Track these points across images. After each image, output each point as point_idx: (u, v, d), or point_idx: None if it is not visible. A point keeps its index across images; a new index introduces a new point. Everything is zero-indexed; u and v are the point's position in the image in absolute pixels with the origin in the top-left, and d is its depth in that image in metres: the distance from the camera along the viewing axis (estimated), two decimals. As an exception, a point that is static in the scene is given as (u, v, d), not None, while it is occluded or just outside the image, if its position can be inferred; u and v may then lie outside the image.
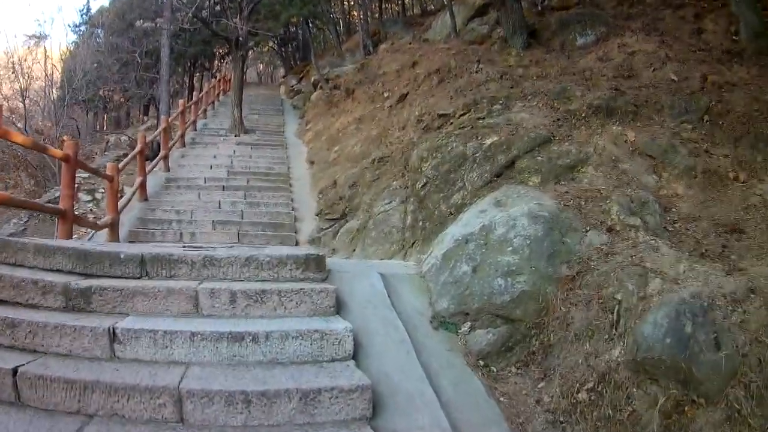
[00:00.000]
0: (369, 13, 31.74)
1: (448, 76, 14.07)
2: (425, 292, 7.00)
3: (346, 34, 39.53)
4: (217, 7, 29.44)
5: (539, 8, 17.15)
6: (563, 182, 8.45)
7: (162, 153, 16.95)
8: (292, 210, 14.19)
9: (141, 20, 33.42)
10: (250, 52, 52.49)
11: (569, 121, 9.93)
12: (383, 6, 40.81)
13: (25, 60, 32.75)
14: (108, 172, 11.70)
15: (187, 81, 44.99)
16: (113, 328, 4.92)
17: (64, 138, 30.41)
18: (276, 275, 6.11)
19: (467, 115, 11.11)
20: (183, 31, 34.30)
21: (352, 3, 43.25)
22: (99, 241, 11.05)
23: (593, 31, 13.88)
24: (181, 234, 12.59)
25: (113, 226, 11.42)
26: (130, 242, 11.89)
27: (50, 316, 5.21)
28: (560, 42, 14.31)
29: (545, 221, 7.04)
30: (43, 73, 31.91)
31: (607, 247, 6.85)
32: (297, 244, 12.46)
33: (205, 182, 15.81)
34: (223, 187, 15.40)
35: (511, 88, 11.70)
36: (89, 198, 19.08)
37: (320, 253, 6.42)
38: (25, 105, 29.66)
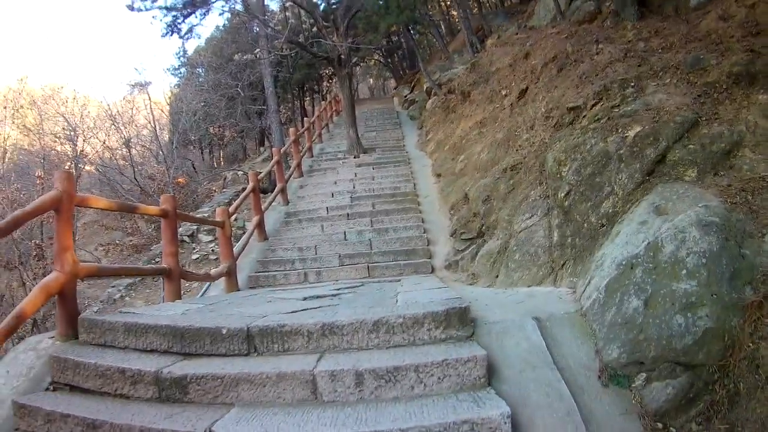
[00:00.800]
0: (469, 10, 30.67)
1: (567, 62, 12.95)
2: (589, 337, 5.87)
3: (449, 35, 38.84)
4: (314, 29, 28.83)
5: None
6: (722, 172, 7.21)
7: (278, 186, 16.53)
8: (424, 232, 13.30)
9: (239, 53, 33.37)
10: (356, 68, 52.48)
11: (711, 95, 8.62)
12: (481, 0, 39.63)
13: (131, 108, 33.50)
14: (218, 218, 11.23)
15: (299, 106, 44.93)
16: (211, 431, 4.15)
17: (179, 180, 31.40)
18: (411, 338, 5.24)
19: (600, 104, 10.00)
20: (284, 58, 34.81)
21: (449, 2, 42.44)
22: (212, 296, 10.53)
23: (705, -13, 12.44)
24: (305, 274, 11.88)
25: (230, 274, 11.01)
26: (250, 288, 11.52)
27: (139, 411, 4.55)
28: (673, 6, 12.87)
29: (718, 229, 5.89)
30: (150, 119, 32.17)
31: (791, 253, 5.66)
32: (432, 271, 11.55)
33: (327, 212, 15.22)
34: (348, 215, 14.72)
35: (639, 66, 10.48)
36: (210, 238, 18.79)
37: (462, 305, 5.46)
38: (131, 153, 29.99)
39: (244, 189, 18.28)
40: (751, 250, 5.74)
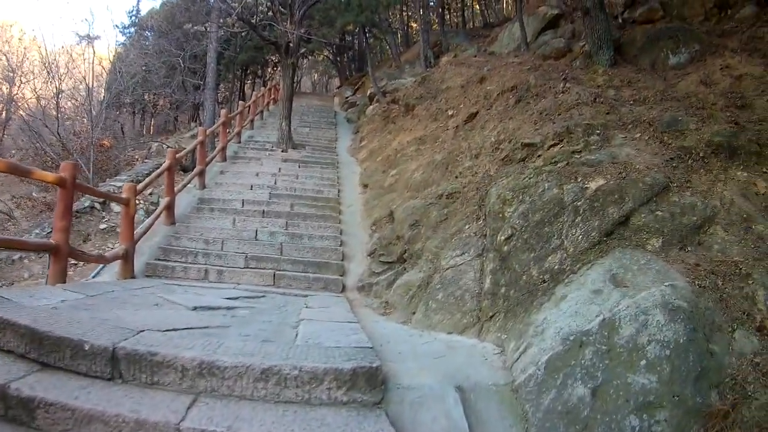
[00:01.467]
0: (429, 23, 29.87)
1: (527, 95, 12.16)
2: (520, 420, 4.82)
3: (405, 45, 38.19)
4: (270, 12, 27.64)
5: (620, 21, 15.37)
6: (689, 248, 6.37)
7: (197, 169, 15.27)
8: (340, 245, 12.25)
9: (191, 23, 32.00)
10: (304, 61, 51.38)
11: (685, 161, 7.86)
12: (444, 17, 39.02)
13: (70, 60, 31.82)
14: (124, 194, 10.02)
15: (239, 88, 43.56)
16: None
17: (104, 141, 29.93)
18: (307, 395, 4.21)
19: (559, 146, 9.16)
20: (234, 37, 34.01)
21: (411, 13, 41.83)
22: (101, 282, 9.21)
23: (686, 49, 12.02)
24: (206, 271, 10.69)
25: (126, 259, 9.85)
26: (146, 276, 10.39)
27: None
28: (650, 60, 12.45)
29: (686, 317, 5.03)
30: (90, 74, 30.55)
31: (762, 359, 4.85)
32: (343, 290, 10.52)
33: (243, 205, 14.06)
34: (263, 212, 13.58)
35: (607, 114, 9.76)
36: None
37: (373, 364, 4.45)
38: (58, 105, 28.54)
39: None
40: (720, 347, 4.94)
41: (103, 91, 33.70)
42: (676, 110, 9.16)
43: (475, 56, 21.29)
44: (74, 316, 5.12)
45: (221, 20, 28.37)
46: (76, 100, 31.27)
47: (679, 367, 4.67)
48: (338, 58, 47.24)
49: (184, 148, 15.53)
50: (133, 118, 41.19)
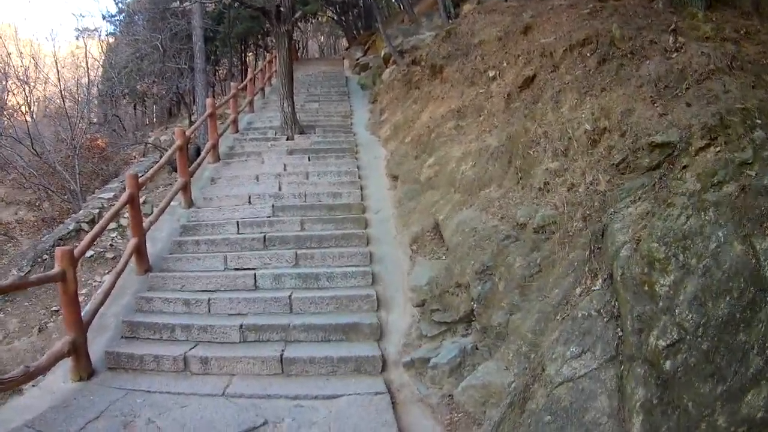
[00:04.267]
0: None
1: (615, 53, 8.71)
2: None
3: (413, -5, 34.17)
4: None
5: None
6: None
7: (179, 182, 11.94)
8: (372, 281, 8.87)
9: (177, 1, 28.82)
10: (307, 25, 47.60)
11: None
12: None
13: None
14: (56, 265, 7.16)
15: (239, 62, 40.08)
16: None
17: (98, 142, 27.36)
18: None
19: (714, 149, 5.76)
20: (226, 9, 30.59)
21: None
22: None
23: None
24: (185, 360, 7.42)
25: (77, 351, 7.15)
26: (109, 369, 7.56)
27: None
28: (752, 0, 9.25)
29: None
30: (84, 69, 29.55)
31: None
32: (383, 368, 7.21)
33: (237, 230, 10.73)
34: (265, 239, 10.15)
35: (753, 87, 6.48)
36: (114, 226, 14.77)
37: None
38: (30, 109, 26.75)
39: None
40: None
41: (97, 87, 32.15)
42: None
43: (506, 1, 17.69)
44: None
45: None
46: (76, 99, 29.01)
47: None
48: (343, 18, 43.66)
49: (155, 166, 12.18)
50: (134, 110, 38.43)
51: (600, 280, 5.53)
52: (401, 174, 12.10)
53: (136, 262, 9.36)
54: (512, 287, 6.44)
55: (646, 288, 4.87)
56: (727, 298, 4.37)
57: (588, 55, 9.08)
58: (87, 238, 7.98)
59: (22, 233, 20.13)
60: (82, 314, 7.32)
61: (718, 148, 5.63)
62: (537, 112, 9.03)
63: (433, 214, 9.27)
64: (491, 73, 12.18)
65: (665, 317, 4.58)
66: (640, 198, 5.82)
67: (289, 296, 8.48)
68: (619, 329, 5.00)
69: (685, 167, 5.77)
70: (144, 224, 9.66)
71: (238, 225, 10.79)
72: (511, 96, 10.51)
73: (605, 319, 5.12)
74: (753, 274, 4.40)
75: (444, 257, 8.15)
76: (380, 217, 11.09)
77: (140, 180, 9.73)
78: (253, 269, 9.29)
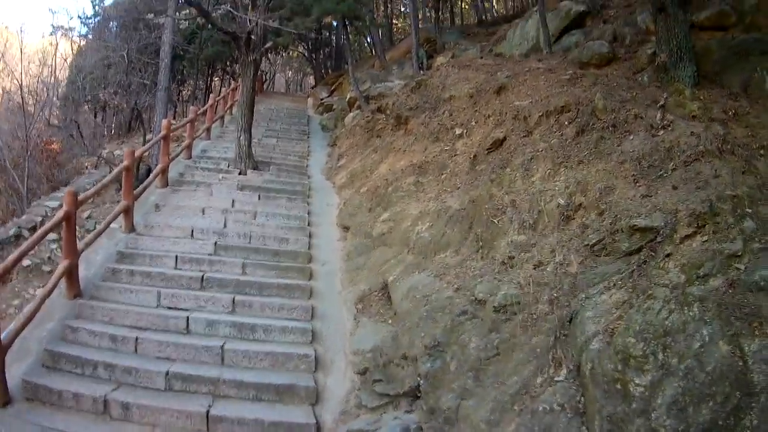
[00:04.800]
0: (419, 17, 25.91)
1: (596, 124, 8.43)
2: None
3: (388, 42, 33.88)
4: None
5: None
6: None
7: (121, 204, 11.11)
8: (312, 339, 8.24)
9: (152, 13, 28.20)
10: (277, 57, 47.10)
11: None
12: (439, 10, 35.19)
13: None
14: None
15: (205, 86, 39.33)
16: None
17: (52, 145, 26.54)
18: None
19: (700, 238, 5.43)
20: (199, 29, 30.46)
21: (393, 8, 38.03)
22: None
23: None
24: (105, 402, 6.77)
25: None
26: (26, 400, 6.90)
27: None
28: (741, 81, 9.14)
29: None
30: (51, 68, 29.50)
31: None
32: (318, 439, 6.51)
33: (176, 265, 9.96)
34: (203, 279, 9.42)
35: (743, 173, 6.15)
36: (55, 236, 14.07)
37: None
38: (23, 100, 25.68)
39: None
40: None
41: (62, 88, 31.82)
42: None
43: (481, 57, 17.44)
44: None
45: (177, 12, 24.49)
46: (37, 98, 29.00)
47: None
48: (313, 55, 43.41)
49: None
50: (95, 117, 36.72)
51: (565, 371, 5.05)
52: (353, 226, 11.55)
53: (66, 286, 8.61)
54: (465, 369, 5.86)
55: (619, 386, 4.43)
56: (710, 403, 4.05)
57: (566, 123, 8.71)
58: (11, 258, 7.20)
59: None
60: (2, 336, 6.63)
61: (705, 237, 5.26)
62: (505, 178, 8.58)
63: (383, 273, 8.78)
64: (458, 131, 11.87)
65: (639, 420, 4.19)
66: (615, 285, 5.36)
67: (222, 346, 7.81)
68: (584, 428, 4.48)
69: (668, 255, 5.35)
70: (79, 246, 8.89)
71: (177, 260, 10.08)
72: (477, 157, 10.15)
73: (569, 416, 4.63)
74: (739, 377, 4.08)
75: (391, 322, 7.60)
76: (327, 270, 10.44)
77: (80, 198, 8.92)
78: (187, 311, 8.61)
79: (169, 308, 8.76)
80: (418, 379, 6.31)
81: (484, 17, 32.83)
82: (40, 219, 15.91)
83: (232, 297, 8.96)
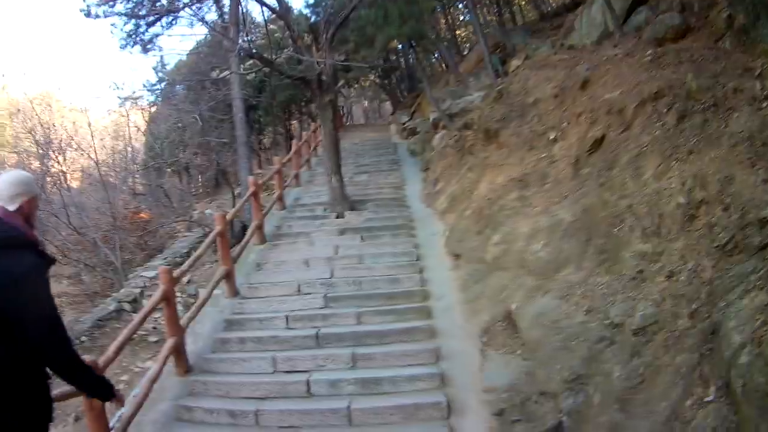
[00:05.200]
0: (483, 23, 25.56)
1: (695, 107, 7.73)
2: None
3: (456, 55, 33.47)
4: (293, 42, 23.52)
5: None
6: None
7: (221, 270, 11.02)
8: (441, 384, 7.76)
9: (216, 71, 28.38)
10: (350, 90, 47.18)
11: None
12: (502, 13, 34.44)
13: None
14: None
15: (284, 131, 39.73)
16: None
17: (141, 215, 27.15)
18: None
19: None
20: (268, 77, 30.38)
21: (455, 16, 37.62)
22: None
23: None
24: None
25: None
26: None
27: None
28: None
29: None
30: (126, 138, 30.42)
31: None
32: None
33: (287, 325, 9.76)
34: (317, 335, 9.14)
35: None
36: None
37: None
38: (100, 175, 26.68)
39: (208, 233, 14.20)
40: None
41: (140, 156, 32.83)
42: None
43: (554, 53, 16.92)
44: None
45: (241, 65, 24.60)
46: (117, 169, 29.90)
47: None
48: (386, 81, 43.32)
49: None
50: (179, 179, 37.72)
51: (713, 389, 4.57)
52: (463, 253, 11.17)
53: (175, 362, 8.50)
54: (611, 401, 5.47)
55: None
56: None
57: (664, 110, 8.15)
58: (114, 346, 7.03)
59: (67, 306, 19.45)
60: (111, 424, 6.50)
61: None
62: (614, 181, 8.11)
63: (504, 300, 8.41)
64: (552, 135, 11.42)
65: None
66: (755, 286, 4.84)
67: (348, 406, 7.49)
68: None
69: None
70: (183, 320, 8.87)
71: (287, 319, 9.86)
72: (579, 161, 9.70)
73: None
74: None
75: (520, 353, 7.22)
76: (444, 305, 9.98)
77: (176, 275, 8.92)
78: (306, 372, 8.33)
79: (287, 372, 8.50)
80: (560, 416, 5.94)
81: (545, 10, 32.12)
82: (139, 290, 16.18)
83: (351, 351, 8.61)
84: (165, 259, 19.87)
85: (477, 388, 7.42)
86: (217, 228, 11.16)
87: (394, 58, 39.41)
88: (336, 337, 9.12)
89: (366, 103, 61.75)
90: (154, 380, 7.57)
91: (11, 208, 3.44)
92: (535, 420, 6.21)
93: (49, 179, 25.98)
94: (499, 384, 6.91)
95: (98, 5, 18.74)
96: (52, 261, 3.59)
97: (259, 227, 13.94)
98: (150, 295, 13.74)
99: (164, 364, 8.04)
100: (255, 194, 14.15)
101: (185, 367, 8.57)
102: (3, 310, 3.12)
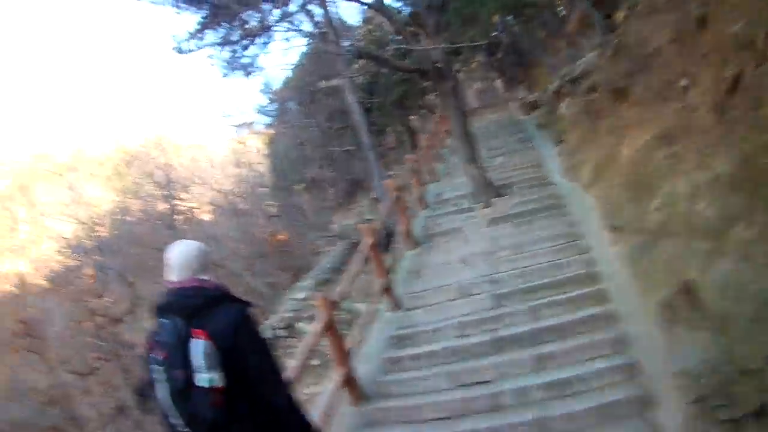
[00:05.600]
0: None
1: None
2: None
3: (557, 21, 32.57)
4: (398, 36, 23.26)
5: None
6: None
7: (379, 284, 11.00)
8: (632, 375, 7.45)
9: (323, 80, 28.48)
10: (458, 73, 46.82)
11: None
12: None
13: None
14: None
15: (404, 129, 39.42)
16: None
17: (278, 236, 27.49)
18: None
19: None
20: (376, 78, 30.35)
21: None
22: None
23: None
24: None
25: None
26: None
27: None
28: None
29: None
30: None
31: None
32: None
33: (459, 333, 9.52)
34: (491, 340, 8.94)
35: None
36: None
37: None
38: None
39: (355, 245, 14.53)
40: None
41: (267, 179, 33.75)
42: None
43: (659, -5, 16.16)
44: None
45: (349, 67, 24.73)
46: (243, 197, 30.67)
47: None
48: (492, 58, 42.46)
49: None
50: (309, 194, 38.04)
51: None
52: (622, 225, 10.62)
53: (348, 392, 8.40)
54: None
55: None
56: None
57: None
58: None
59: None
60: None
61: None
62: (758, 119, 7.57)
63: (678, 271, 7.84)
64: (683, 82, 10.72)
65: None
66: None
67: (539, 415, 7.24)
68: None
69: None
70: (348, 344, 8.88)
71: (457, 326, 9.65)
72: (720, 106, 9.03)
73: None
74: None
75: (708, 328, 6.72)
76: (615, 285, 9.47)
77: (334, 299, 8.90)
78: (488, 383, 8.11)
79: (467, 386, 8.26)
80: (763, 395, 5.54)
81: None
82: (291, 314, 16.23)
83: (532, 352, 8.36)
84: (313, 278, 19.90)
85: (668, 374, 7.02)
86: (368, 240, 11.10)
87: (496, 33, 38.85)
88: (512, 339, 8.85)
89: (477, 84, 61.11)
90: (328, 414, 7.55)
91: (205, 278, 3.72)
92: (737, 404, 5.83)
93: (178, 217, 26.62)
94: (691, 366, 6.50)
95: (187, 40, 19.08)
96: (251, 304, 3.84)
97: (408, 232, 13.87)
98: (305, 317, 13.92)
99: (335, 400, 8.00)
100: (398, 198, 14.08)
101: (358, 395, 8.45)
102: (230, 356, 3.36)
